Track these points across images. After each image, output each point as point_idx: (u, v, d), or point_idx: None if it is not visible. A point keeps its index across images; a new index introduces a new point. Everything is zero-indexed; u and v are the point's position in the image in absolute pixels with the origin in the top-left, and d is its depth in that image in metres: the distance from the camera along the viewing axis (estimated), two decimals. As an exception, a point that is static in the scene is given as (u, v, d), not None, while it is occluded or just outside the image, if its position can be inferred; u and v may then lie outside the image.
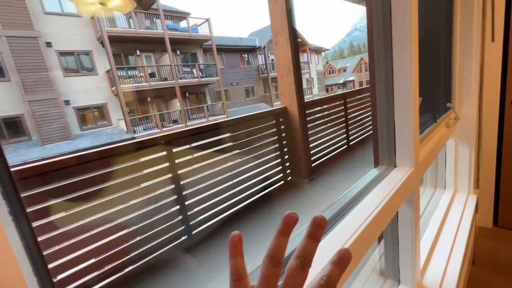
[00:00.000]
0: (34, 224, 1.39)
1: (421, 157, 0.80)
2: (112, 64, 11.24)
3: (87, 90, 11.99)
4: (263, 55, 21.29)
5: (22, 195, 1.35)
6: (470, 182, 1.36)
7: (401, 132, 0.72)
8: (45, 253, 1.44)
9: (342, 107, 4.10)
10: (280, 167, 3.07)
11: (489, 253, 1.54)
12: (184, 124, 13.03)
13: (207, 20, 15.24)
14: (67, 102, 11.33)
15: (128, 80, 12.04)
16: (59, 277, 1.49)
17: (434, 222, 1.15)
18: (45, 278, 0.31)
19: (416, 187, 0.76)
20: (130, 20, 12.18)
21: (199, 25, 15.53)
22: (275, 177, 3.02)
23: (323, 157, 3.60)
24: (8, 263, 0.26)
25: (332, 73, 45.42)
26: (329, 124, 3.74)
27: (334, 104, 3.91)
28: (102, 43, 11.59)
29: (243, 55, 20.49)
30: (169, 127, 13.21)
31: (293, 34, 2.79)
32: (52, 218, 1.48)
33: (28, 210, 1.39)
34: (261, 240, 1.84)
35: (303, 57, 24.56)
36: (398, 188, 0.65)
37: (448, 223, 1.15)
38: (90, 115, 12.30)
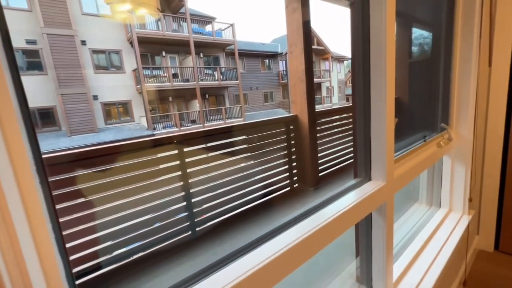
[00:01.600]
0: (61, 205, 1.58)
1: (398, 173, 0.87)
2: (139, 63, 11.85)
3: (114, 86, 12.70)
4: (284, 61, 21.45)
5: (53, 179, 1.54)
6: (465, 202, 1.37)
7: (375, 150, 0.80)
8: (67, 232, 1.62)
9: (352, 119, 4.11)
10: (287, 174, 3.14)
11: (484, 276, 1.52)
12: (202, 125, 13.40)
13: (232, 25, 15.65)
14: (95, 97, 12.06)
15: (153, 79, 12.61)
16: (75, 256, 1.66)
17: (421, 237, 1.19)
18: (64, 254, 0.44)
19: (390, 199, 0.83)
20: (159, 22, 12.80)
21: (224, 29, 15.99)
22: (282, 183, 3.09)
23: (331, 168, 3.62)
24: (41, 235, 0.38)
25: (354, 82, 44.44)
26: (338, 135, 3.76)
27: (344, 115, 3.93)
28: (131, 43, 12.27)
29: (264, 60, 20.76)
30: (187, 126, 13.63)
31: (308, 46, 2.88)
32: (73, 202, 1.66)
33: (55, 193, 1.58)
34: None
35: (325, 65, 24.41)
36: (368, 197, 0.73)
37: (434, 241, 1.18)
38: (115, 111, 12.99)
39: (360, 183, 0.83)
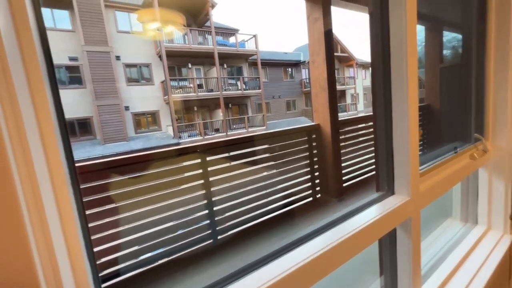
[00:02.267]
0: (91, 211, 1.70)
1: (424, 187, 0.82)
2: (166, 75, 12.50)
3: (144, 98, 13.48)
4: (307, 70, 21.37)
5: (87, 185, 1.65)
6: (506, 220, 1.24)
7: (399, 163, 0.76)
8: (96, 236, 1.73)
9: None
10: (310, 184, 3.08)
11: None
12: (225, 133, 13.67)
13: (254, 36, 16.00)
14: (127, 108, 12.88)
15: (179, 90, 13.20)
16: (103, 259, 1.76)
17: (454, 258, 1.08)
18: (92, 258, 0.47)
19: (415, 215, 0.78)
20: (185, 36, 13.48)
21: (247, 40, 16.40)
22: (304, 193, 3.03)
23: (356, 178, 3.49)
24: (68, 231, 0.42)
25: (381, 89, 42.93)
26: (363, 144, 3.63)
27: (369, 123, 3.79)
28: (160, 57, 13.01)
29: (287, 69, 20.86)
30: (211, 135, 13.99)
31: (330, 54, 2.85)
32: (104, 207, 1.77)
33: (87, 199, 1.71)
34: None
35: (349, 72, 23.92)
36: (391, 211, 0.70)
37: (469, 262, 1.07)
38: (144, 120, 13.74)
39: (383, 197, 0.79)
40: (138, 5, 13.02)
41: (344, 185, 3.27)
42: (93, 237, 1.70)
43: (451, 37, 1.58)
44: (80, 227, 0.45)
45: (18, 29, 0.33)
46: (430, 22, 1.33)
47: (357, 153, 3.55)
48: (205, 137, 13.56)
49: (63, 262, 0.40)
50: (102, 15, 11.73)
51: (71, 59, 11.68)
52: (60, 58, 11.46)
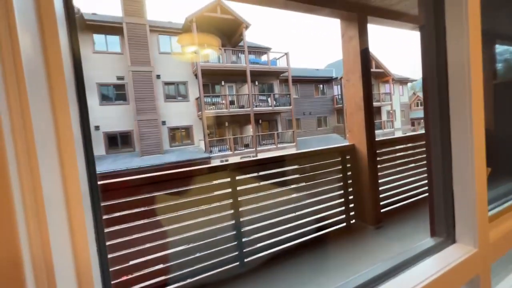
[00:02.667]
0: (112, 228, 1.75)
1: (495, 236, 0.66)
2: (201, 93, 13.15)
3: (179, 113, 14.27)
4: (339, 86, 20.98)
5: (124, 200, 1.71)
6: None
7: (461, 205, 0.63)
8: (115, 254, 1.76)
9: (424, 148, 3.61)
10: (343, 208, 2.88)
11: None
12: (254, 149, 13.76)
13: (286, 54, 16.26)
14: (163, 123, 13.71)
15: (212, 106, 13.76)
16: (123, 278, 1.78)
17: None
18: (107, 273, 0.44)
19: (485, 272, 0.63)
20: (220, 56, 14.18)
21: (278, 58, 16.72)
22: (337, 218, 2.83)
23: (396, 203, 3.19)
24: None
25: (421, 105, 40.51)
26: (405, 167, 3.33)
27: (413, 144, 3.49)
28: (196, 75, 13.80)
29: (318, 86, 20.68)
30: (241, 150, 14.17)
31: (366, 73, 2.73)
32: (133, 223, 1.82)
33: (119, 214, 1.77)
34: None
35: (385, 88, 22.96)
36: (453, 268, 0.57)
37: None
38: (179, 135, 14.46)
39: (441, 245, 0.66)
40: (179, 29, 14.15)
41: (382, 211, 3.00)
42: (115, 254, 1.73)
43: (502, 50, 1.40)
44: (96, 252, 0.43)
45: (47, 50, 0.36)
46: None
47: (397, 176, 3.26)
48: (235, 152, 13.78)
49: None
50: (147, 38, 12.92)
51: (118, 78, 12.93)
52: (109, 77, 12.76)
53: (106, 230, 1.72)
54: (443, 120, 0.69)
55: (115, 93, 13.16)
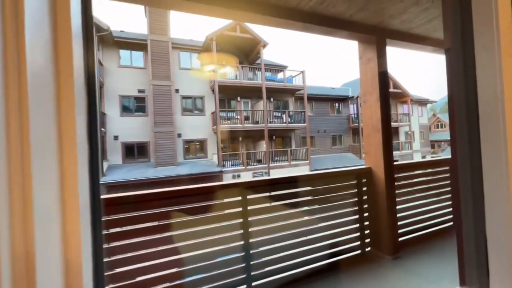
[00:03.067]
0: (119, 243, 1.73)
1: None
2: (217, 108, 13.44)
3: (195, 126, 14.59)
4: (355, 105, 20.80)
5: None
6: None
7: (496, 251, 0.55)
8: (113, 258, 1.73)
9: (448, 174, 3.42)
10: (358, 234, 2.73)
11: None
12: (267, 165, 13.67)
13: (302, 72, 16.46)
14: (179, 135, 14.03)
15: (227, 121, 13.98)
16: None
17: None
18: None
19: None
20: (237, 73, 14.56)
21: (294, 76, 16.94)
22: (350, 244, 2.69)
23: (416, 232, 2.99)
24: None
25: (441, 127, 39.25)
26: (426, 193, 3.15)
27: (434, 170, 3.32)
28: (213, 90, 14.20)
29: (334, 104, 20.59)
30: (253, 165, 14.12)
31: (385, 94, 2.67)
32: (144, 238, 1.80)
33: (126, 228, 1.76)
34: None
35: (403, 109, 22.50)
36: None
37: None
38: (193, 147, 14.70)
39: (473, 296, 0.58)
40: (199, 46, 14.78)
41: (400, 239, 2.82)
42: (118, 270, 1.70)
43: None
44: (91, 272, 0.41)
45: (58, 60, 0.37)
46: None
47: (417, 203, 3.09)
48: (247, 167, 13.74)
49: None
50: (169, 55, 13.55)
51: (139, 91, 13.53)
52: (131, 90, 13.38)
53: (107, 244, 1.70)
54: (473, 153, 0.63)
55: (135, 105, 13.71)
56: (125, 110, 13.42)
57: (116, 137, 12.92)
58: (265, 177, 2.39)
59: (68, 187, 0.37)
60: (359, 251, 2.69)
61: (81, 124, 0.40)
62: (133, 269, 1.72)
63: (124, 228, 1.74)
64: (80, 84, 0.40)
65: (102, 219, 1.52)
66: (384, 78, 2.66)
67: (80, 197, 0.38)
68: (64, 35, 0.38)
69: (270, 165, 13.93)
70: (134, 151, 13.48)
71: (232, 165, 13.90)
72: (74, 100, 0.39)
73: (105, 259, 1.67)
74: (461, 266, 0.62)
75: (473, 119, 0.65)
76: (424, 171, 3.26)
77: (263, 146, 15.25)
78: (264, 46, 15.12)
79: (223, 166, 13.54)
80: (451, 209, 3.30)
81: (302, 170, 14.76)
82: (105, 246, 1.69)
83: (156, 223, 1.81)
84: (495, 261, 0.57)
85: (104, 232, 1.73)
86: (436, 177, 3.32)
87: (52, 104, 0.37)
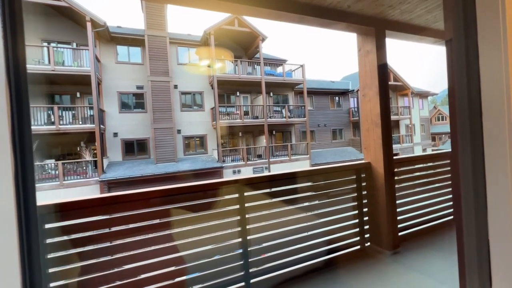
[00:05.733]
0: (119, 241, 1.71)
1: None
2: (216, 103, 13.35)
3: (194, 122, 14.52)
4: (355, 98, 20.65)
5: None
6: None
7: (498, 257, 0.52)
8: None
9: (448, 167, 3.39)
10: (357, 229, 2.72)
11: None
12: (267, 160, 13.65)
13: (301, 66, 16.29)
14: (179, 131, 13.98)
15: (226, 116, 13.90)
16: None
17: None
18: None
19: None
20: (236, 67, 14.42)
21: (294, 70, 16.78)
22: (350, 240, 2.67)
23: (416, 227, 2.97)
24: None
25: (442, 119, 39.06)
26: (425, 187, 3.13)
27: (435, 163, 3.29)
28: (212, 85, 14.09)
29: (334, 98, 20.44)
30: (253, 161, 14.11)
31: (384, 87, 2.62)
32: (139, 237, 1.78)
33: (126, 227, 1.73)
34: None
35: (404, 101, 22.35)
36: None
37: None
38: (193, 143, 14.66)
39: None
40: (197, 41, 14.61)
41: (400, 234, 2.80)
42: (110, 271, 1.69)
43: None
44: None
45: None
46: None
47: (417, 197, 3.06)
48: (247, 162, 13.72)
49: None
50: (167, 50, 13.40)
51: (138, 87, 13.42)
52: (129, 86, 13.28)
53: (109, 243, 1.68)
54: (474, 146, 0.59)
55: (134, 102, 13.63)
56: (124, 106, 13.35)
57: (115, 134, 12.87)
58: (263, 174, 2.35)
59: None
60: (358, 247, 2.68)
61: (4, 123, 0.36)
62: (133, 268, 1.71)
63: (120, 228, 1.71)
64: (4, 86, 0.35)
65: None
66: (383, 71, 2.60)
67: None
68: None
69: (270, 160, 13.91)
70: (134, 148, 13.45)
71: (232, 160, 13.88)
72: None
73: (107, 258, 1.65)
74: (462, 278, 0.59)
75: (475, 113, 0.62)
76: (424, 165, 3.23)
77: (263, 141, 15.20)
78: (263, 40, 14.93)
79: (223, 161, 13.52)
80: (451, 202, 3.27)
81: (302, 164, 14.74)
82: (105, 245, 1.68)
83: (150, 222, 1.79)
84: (496, 264, 0.54)
85: (103, 231, 1.71)
86: (436, 170, 3.28)
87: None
